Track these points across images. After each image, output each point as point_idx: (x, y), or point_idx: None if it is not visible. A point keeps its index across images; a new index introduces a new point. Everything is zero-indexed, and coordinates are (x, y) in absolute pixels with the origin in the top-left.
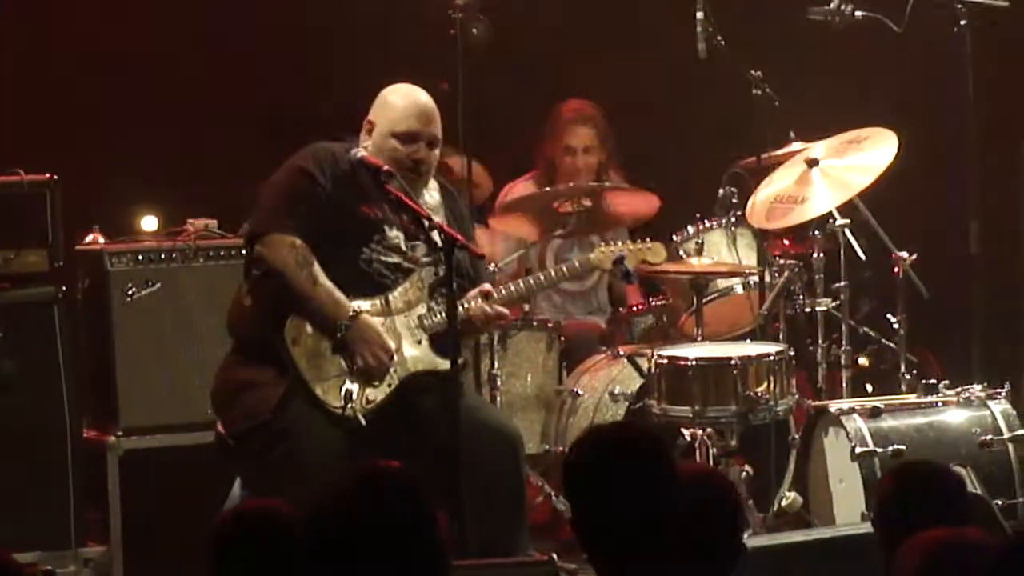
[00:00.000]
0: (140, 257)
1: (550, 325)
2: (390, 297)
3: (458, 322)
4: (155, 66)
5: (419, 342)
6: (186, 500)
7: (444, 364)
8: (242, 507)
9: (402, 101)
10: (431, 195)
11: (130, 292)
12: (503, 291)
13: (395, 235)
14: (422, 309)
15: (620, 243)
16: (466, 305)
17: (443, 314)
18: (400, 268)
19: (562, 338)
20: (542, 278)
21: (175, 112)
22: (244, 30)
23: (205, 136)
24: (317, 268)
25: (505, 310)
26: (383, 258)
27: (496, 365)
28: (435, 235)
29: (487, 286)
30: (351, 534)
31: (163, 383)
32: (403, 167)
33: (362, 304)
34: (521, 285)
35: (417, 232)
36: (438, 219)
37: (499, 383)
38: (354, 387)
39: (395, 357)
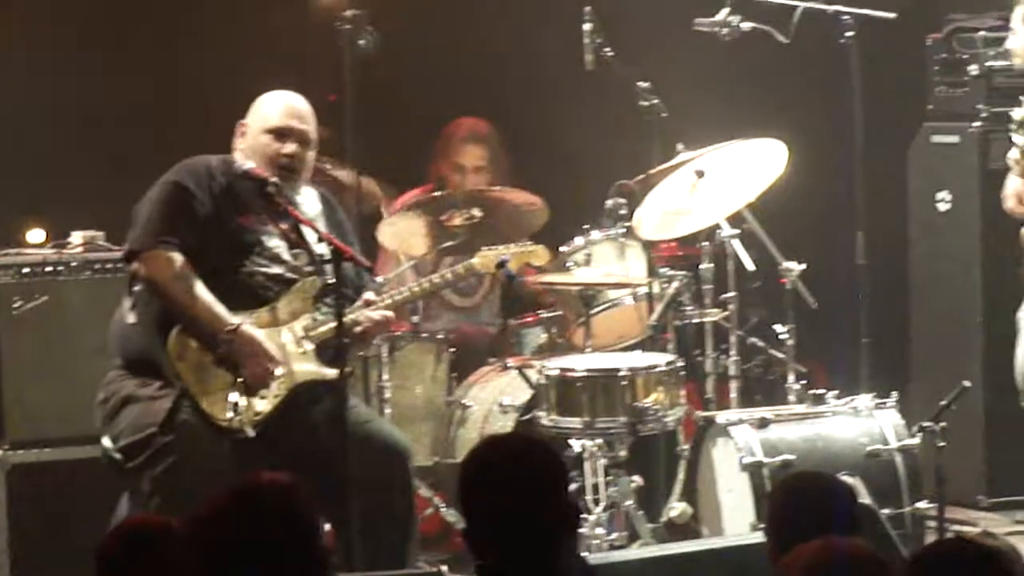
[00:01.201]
0: (25, 270)
1: (439, 337)
2: (276, 307)
3: (348, 329)
4: (40, 73)
5: (305, 352)
6: (74, 514)
7: (331, 373)
8: (127, 522)
9: (274, 100)
10: (311, 204)
11: (16, 305)
12: (387, 298)
13: (276, 245)
14: (307, 319)
15: (502, 247)
16: (352, 315)
17: (329, 324)
18: (283, 279)
19: (451, 349)
20: (426, 284)
21: (63, 123)
22: (136, 39)
23: (94, 147)
24: (196, 281)
25: (390, 314)
26: (265, 269)
27: (385, 377)
28: (323, 247)
29: (370, 295)
30: (229, 548)
31: (50, 397)
32: (277, 164)
33: (247, 316)
34: (406, 291)
35: (298, 241)
36: (317, 234)
37: (388, 395)
38: (241, 399)
39: (281, 367)
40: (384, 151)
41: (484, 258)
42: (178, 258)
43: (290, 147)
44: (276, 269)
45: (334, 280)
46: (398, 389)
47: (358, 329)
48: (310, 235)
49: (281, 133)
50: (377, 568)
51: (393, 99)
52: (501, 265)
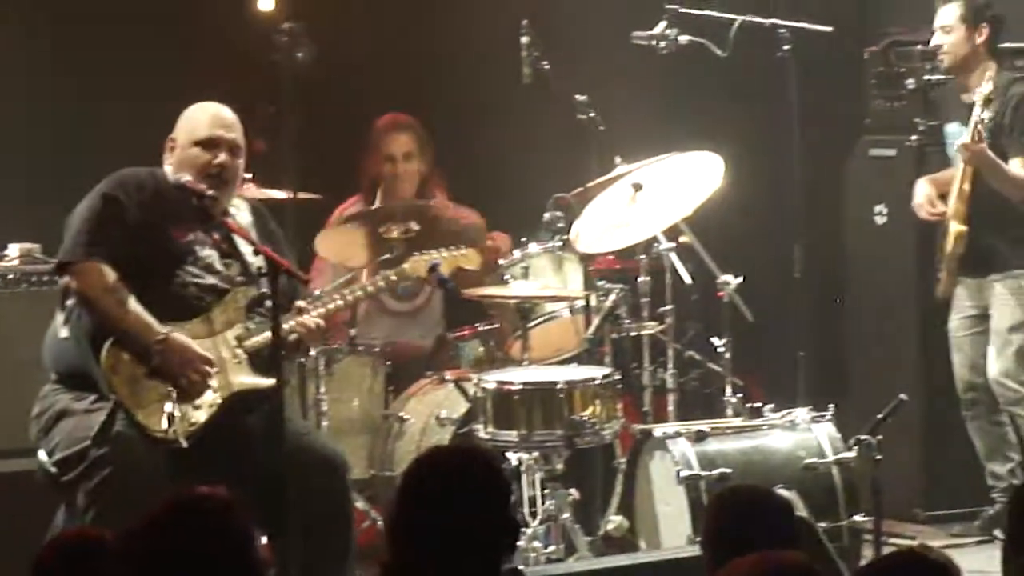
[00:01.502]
0: None
1: (376, 350)
2: (209, 317)
3: (282, 337)
4: None
5: (240, 362)
6: (10, 527)
7: (267, 383)
8: (63, 535)
9: (201, 112)
10: (241, 214)
11: None
12: (320, 306)
13: (208, 255)
14: (240, 329)
15: (434, 251)
16: (285, 324)
17: (262, 333)
18: (216, 289)
19: (388, 363)
20: (359, 291)
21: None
22: (71, 50)
23: (30, 159)
24: (127, 293)
25: (322, 321)
26: (198, 280)
27: (322, 390)
28: (256, 257)
29: (302, 303)
30: (163, 562)
31: None
32: (208, 174)
33: (181, 327)
34: (339, 299)
35: (230, 251)
36: (249, 244)
37: (325, 408)
38: (175, 409)
39: (216, 378)
40: (321, 163)
41: (415, 263)
42: (109, 270)
43: (220, 157)
44: (209, 279)
45: (269, 291)
46: (335, 402)
47: (292, 338)
48: (243, 245)
49: (210, 144)
50: None
51: (329, 111)
52: (433, 269)
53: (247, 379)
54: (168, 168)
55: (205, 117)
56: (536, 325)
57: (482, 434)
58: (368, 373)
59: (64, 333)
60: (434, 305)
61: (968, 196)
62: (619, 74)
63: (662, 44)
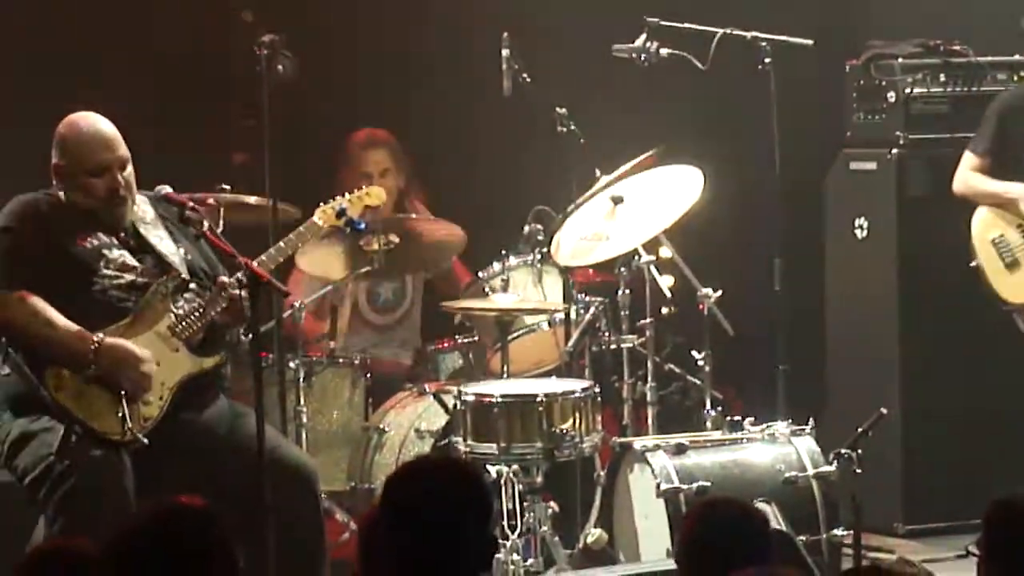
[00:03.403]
0: None
1: (356, 362)
2: (137, 315)
3: (213, 316)
4: None
5: (177, 350)
6: None
7: (208, 362)
8: (42, 547)
9: (83, 138)
10: (143, 209)
11: None
12: (241, 275)
13: (118, 255)
14: (169, 318)
15: (339, 196)
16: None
17: (191, 316)
18: (135, 285)
19: (368, 375)
20: (281, 245)
21: None
22: (50, 61)
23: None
24: (50, 312)
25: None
26: (115, 282)
27: (302, 402)
28: (167, 245)
29: (222, 278)
30: (145, 573)
31: None
32: (105, 199)
33: (112, 330)
34: (264, 257)
35: (140, 245)
36: (160, 233)
37: (305, 420)
38: (127, 410)
39: (160, 371)
40: (300, 174)
41: (324, 212)
42: (27, 295)
43: (116, 179)
44: (127, 277)
45: (254, 305)
46: (315, 414)
47: (220, 310)
48: (152, 237)
49: (102, 170)
50: None
51: (308, 123)
52: (341, 214)
53: (189, 364)
54: (61, 193)
55: (88, 144)
56: (516, 338)
57: (461, 446)
58: (348, 385)
59: (5, 370)
60: (414, 317)
61: None
62: (600, 86)
63: (643, 57)
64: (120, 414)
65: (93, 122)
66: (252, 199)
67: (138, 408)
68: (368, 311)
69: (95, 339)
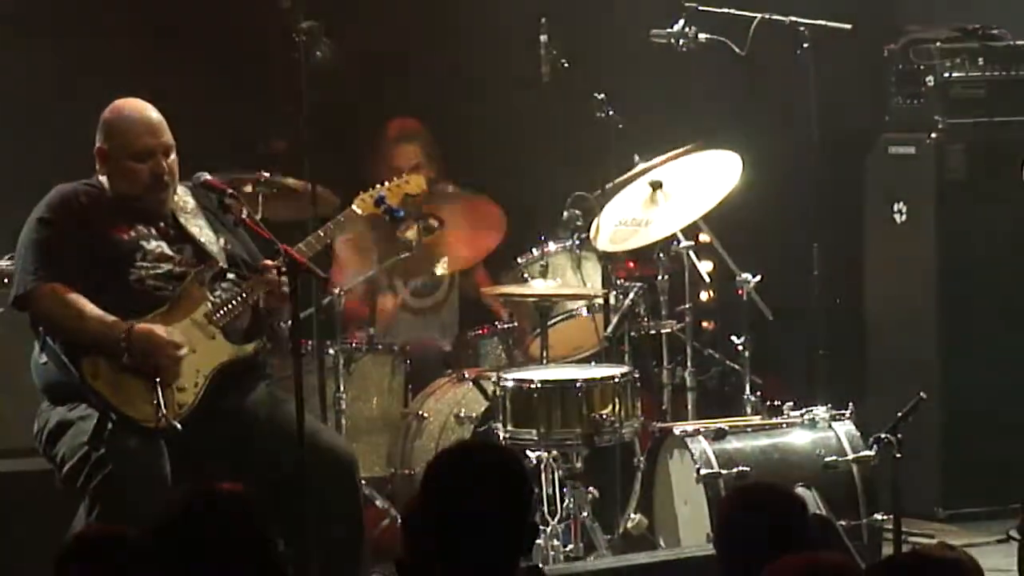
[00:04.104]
0: None
1: (395, 348)
2: (174, 303)
3: (251, 303)
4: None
5: (213, 337)
6: (31, 525)
7: (247, 349)
8: (83, 533)
9: (128, 122)
10: (184, 199)
11: None
12: (279, 262)
13: (156, 246)
14: (206, 306)
15: (378, 185)
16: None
17: (229, 304)
18: (173, 275)
19: (408, 361)
20: (321, 232)
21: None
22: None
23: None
24: (82, 302)
25: (273, 275)
26: (153, 271)
27: (341, 388)
28: (207, 234)
29: (262, 263)
30: (185, 558)
31: (9, 408)
32: (148, 185)
33: (149, 319)
34: (301, 246)
35: (180, 236)
36: (199, 223)
37: (344, 407)
38: (161, 396)
39: (195, 358)
40: (339, 161)
41: (362, 201)
42: (61, 287)
43: (159, 164)
44: (164, 267)
45: (293, 292)
46: (354, 401)
47: (260, 297)
48: (192, 226)
49: (146, 155)
50: None
51: (347, 109)
52: (380, 202)
53: (227, 351)
54: (103, 178)
55: (133, 128)
56: (555, 324)
57: (501, 432)
58: (387, 372)
59: (43, 359)
60: (452, 301)
61: None
62: (638, 72)
63: (681, 42)
64: (155, 401)
65: (139, 108)
66: (292, 180)
67: (173, 394)
68: (407, 296)
69: (125, 327)
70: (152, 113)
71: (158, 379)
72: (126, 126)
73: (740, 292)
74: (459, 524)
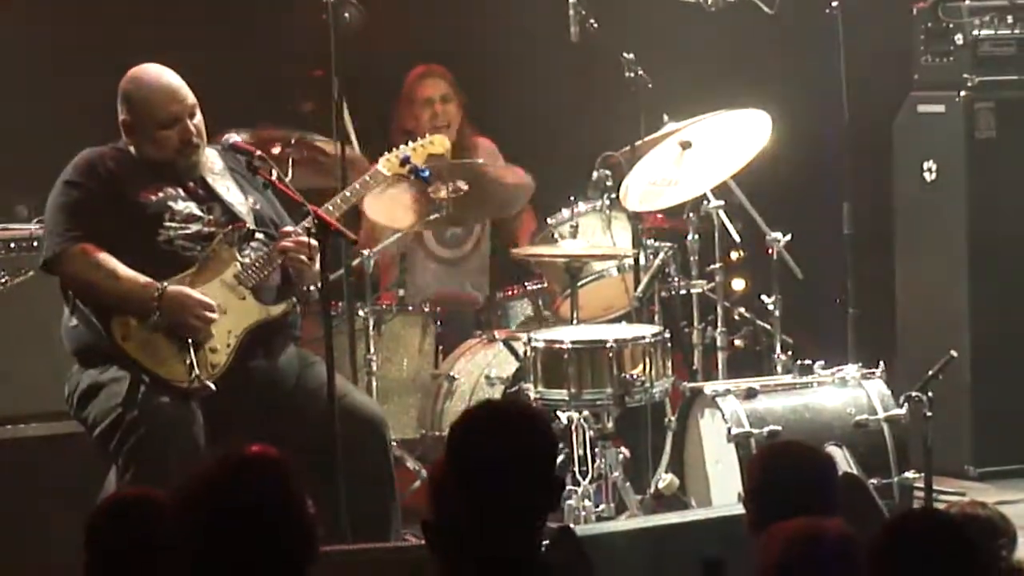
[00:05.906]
0: (12, 246)
1: (426, 309)
2: (202, 264)
3: (280, 264)
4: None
5: (243, 298)
6: (63, 488)
7: (276, 310)
8: (115, 496)
9: (149, 90)
10: (212, 160)
11: (2, 281)
12: (306, 223)
13: (185, 206)
14: (235, 267)
15: (403, 145)
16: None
17: (257, 264)
18: (202, 235)
19: (439, 323)
20: (346, 193)
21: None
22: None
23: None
24: (113, 262)
25: (303, 236)
26: (182, 232)
27: (372, 350)
28: (235, 195)
29: (287, 228)
30: (219, 521)
31: (37, 372)
32: (179, 149)
33: (178, 280)
34: (328, 206)
35: (208, 196)
36: (228, 183)
37: (375, 368)
38: (194, 357)
39: (225, 319)
40: (367, 123)
41: (388, 162)
42: (91, 248)
43: (186, 128)
44: (193, 228)
45: (323, 254)
46: (385, 363)
47: (289, 258)
48: (220, 187)
49: (173, 120)
50: (360, 538)
51: (375, 72)
52: (405, 162)
53: (257, 312)
54: (131, 148)
55: (155, 97)
56: (585, 284)
57: (532, 393)
58: (417, 333)
59: (73, 322)
60: (482, 252)
61: None
62: (667, 32)
63: (710, 1)
64: (188, 361)
65: (157, 74)
66: (321, 138)
67: (205, 355)
68: (436, 246)
69: (158, 287)
70: (171, 78)
71: (190, 340)
72: (148, 95)
73: (770, 251)
74: (483, 481)
